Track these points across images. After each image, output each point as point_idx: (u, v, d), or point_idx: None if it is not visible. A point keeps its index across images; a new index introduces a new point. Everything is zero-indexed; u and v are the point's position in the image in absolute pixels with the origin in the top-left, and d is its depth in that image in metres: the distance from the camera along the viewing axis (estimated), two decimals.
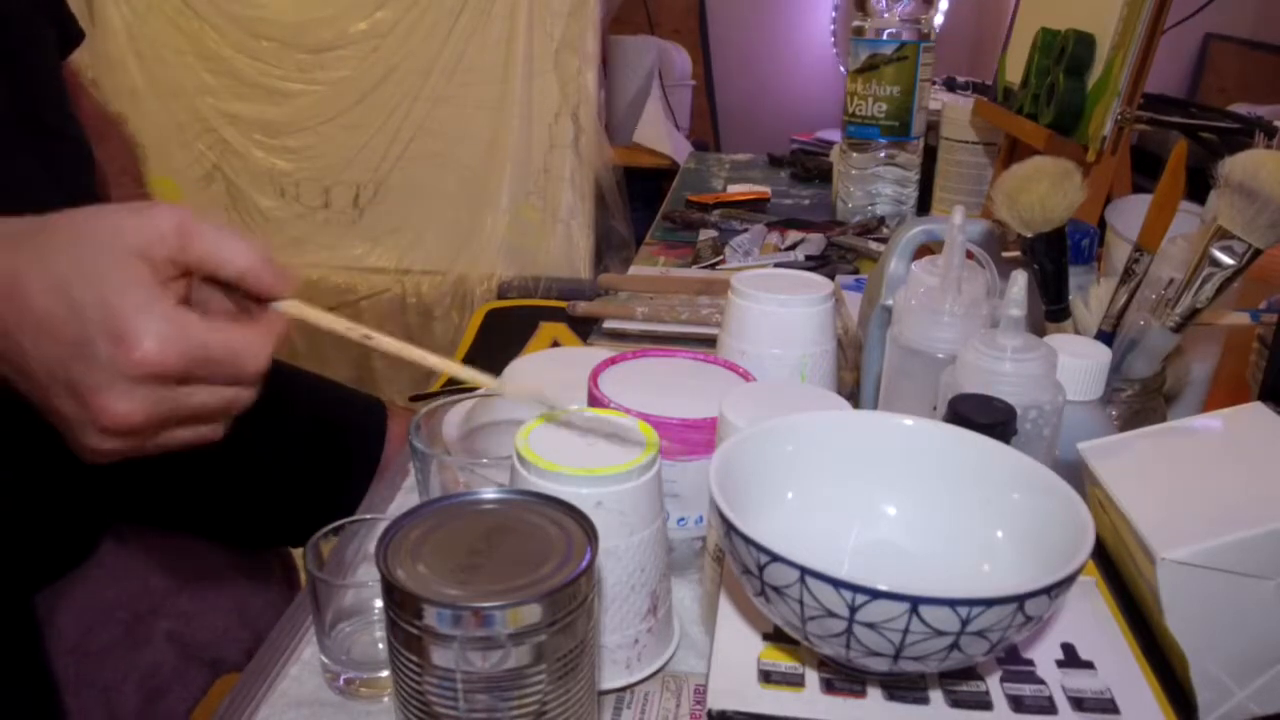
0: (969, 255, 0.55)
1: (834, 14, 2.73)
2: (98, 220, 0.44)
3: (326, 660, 0.51)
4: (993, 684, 0.37)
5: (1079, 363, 0.53)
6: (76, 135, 0.78)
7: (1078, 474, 0.48)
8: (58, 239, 0.44)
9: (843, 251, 1.18)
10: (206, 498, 0.87)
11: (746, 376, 0.60)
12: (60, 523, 0.76)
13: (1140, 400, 0.60)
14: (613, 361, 0.61)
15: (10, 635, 0.70)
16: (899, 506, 0.44)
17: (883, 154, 1.28)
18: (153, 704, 0.77)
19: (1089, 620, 0.41)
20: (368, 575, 0.54)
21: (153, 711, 0.76)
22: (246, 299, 0.47)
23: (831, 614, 0.33)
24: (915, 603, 0.32)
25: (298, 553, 0.99)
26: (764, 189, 1.49)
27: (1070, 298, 0.64)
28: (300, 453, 0.91)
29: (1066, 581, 0.33)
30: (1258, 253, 0.54)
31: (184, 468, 0.84)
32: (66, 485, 0.75)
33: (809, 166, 1.63)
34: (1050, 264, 0.61)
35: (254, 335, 0.45)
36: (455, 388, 0.82)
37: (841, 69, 2.68)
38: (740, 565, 0.36)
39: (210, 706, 0.78)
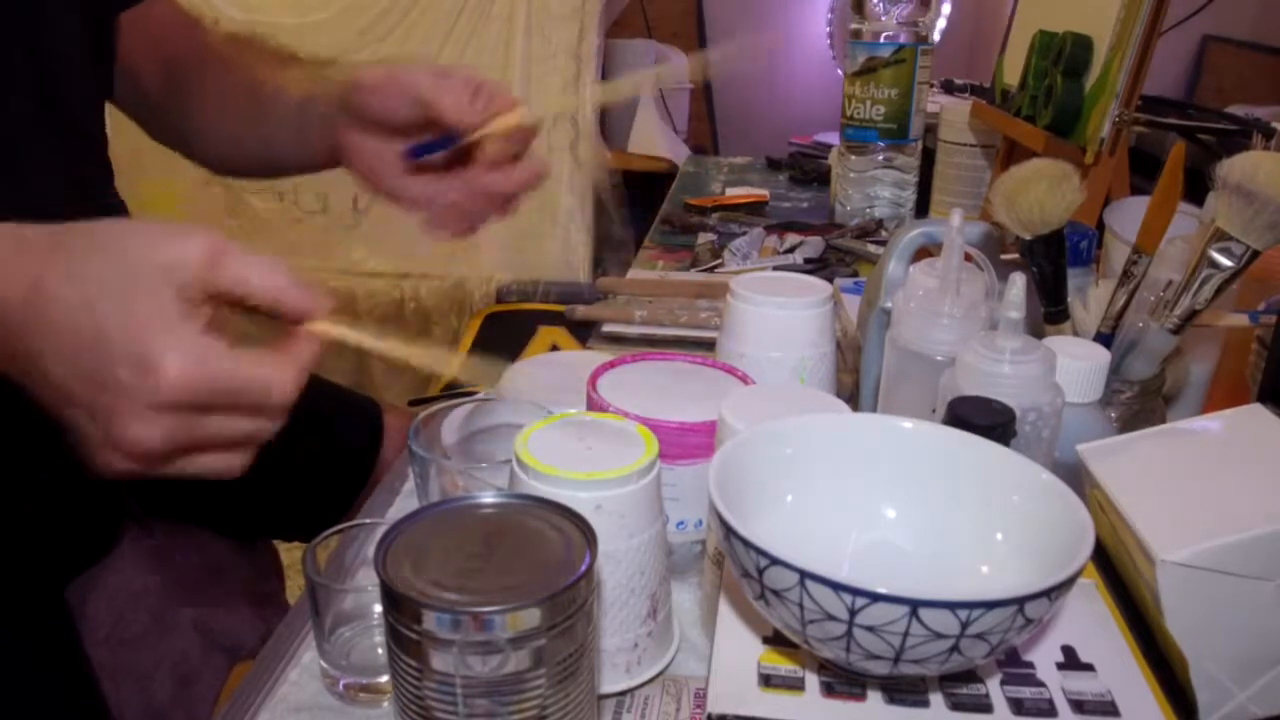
0: (967, 257, 0.55)
1: (830, 15, 2.73)
2: (128, 237, 0.43)
3: (326, 665, 0.51)
4: (993, 686, 0.37)
5: (1078, 364, 0.53)
6: (100, 135, 0.76)
7: (1077, 476, 0.48)
8: (84, 253, 0.43)
9: (841, 254, 1.18)
10: (207, 490, 0.88)
11: (745, 379, 0.60)
12: (83, 514, 0.76)
13: (1139, 402, 0.60)
14: (611, 365, 0.61)
15: (48, 627, 0.71)
16: (898, 509, 0.44)
17: (881, 157, 1.28)
18: (185, 690, 0.78)
19: (1089, 622, 0.41)
20: (367, 580, 0.54)
21: (186, 697, 0.78)
22: (278, 322, 0.46)
23: (831, 617, 0.33)
24: (915, 605, 0.32)
25: (285, 547, 1.00)
26: (762, 192, 1.49)
27: (1069, 299, 0.64)
28: (294, 448, 0.92)
29: (1066, 584, 0.33)
30: (1256, 254, 0.54)
31: None
32: (84, 475, 0.76)
33: (807, 169, 1.63)
34: (1049, 266, 0.61)
35: (280, 364, 0.44)
36: (454, 392, 0.82)
37: (839, 71, 2.68)
38: (740, 568, 0.36)
39: (231, 692, 0.80)
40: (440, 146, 0.65)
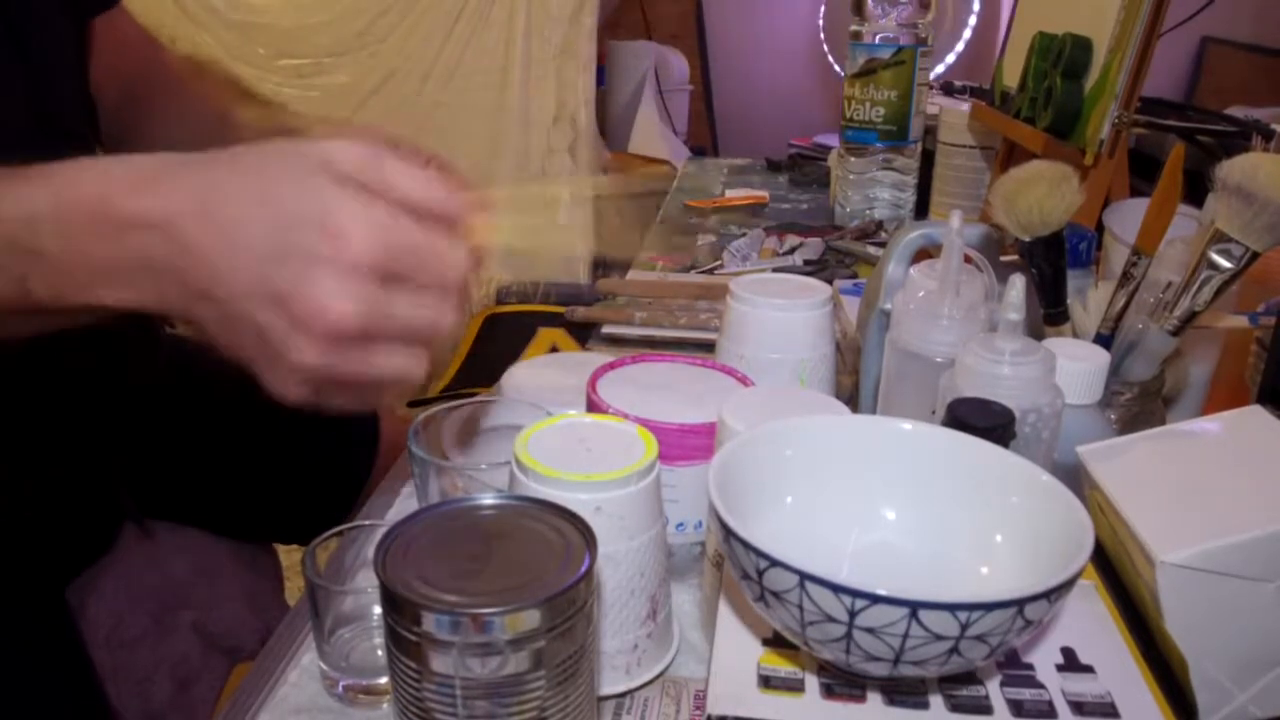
0: (967, 259, 0.55)
1: (822, 10, 2.72)
2: (294, 140, 0.44)
3: (326, 667, 0.51)
4: (992, 688, 0.37)
5: (1077, 366, 0.53)
6: (91, 136, 0.75)
7: (1076, 477, 0.48)
8: (249, 157, 0.43)
9: (841, 256, 1.18)
10: (208, 491, 0.88)
11: (745, 381, 0.60)
12: (81, 513, 0.76)
13: (1139, 403, 0.61)
14: (611, 366, 0.61)
15: (49, 629, 0.72)
16: (898, 510, 0.44)
17: (880, 158, 1.28)
18: (184, 692, 0.78)
19: (1089, 624, 0.41)
20: (367, 581, 0.54)
21: (185, 699, 0.78)
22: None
23: (831, 619, 0.33)
24: (914, 607, 0.32)
25: (284, 549, 1.00)
26: (762, 193, 1.49)
27: (1068, 301, 0.64)
28: (294, 450, 0.92)
29: (1066, 585, 0.33)
30: (1255, 255, 0.54)
31: (185, 461, 0.85)
32: (83, 476, 0.76)
33: (807, 171, 1.63)
34: (1048, 267, 0.61)
35: (453, 240, 0.44)
36: (454, 393, 0.82)
37: (837, 69, 2.68)
38: (740, 570, 0.36)
39: (231, 693, 0.80)
40: None
